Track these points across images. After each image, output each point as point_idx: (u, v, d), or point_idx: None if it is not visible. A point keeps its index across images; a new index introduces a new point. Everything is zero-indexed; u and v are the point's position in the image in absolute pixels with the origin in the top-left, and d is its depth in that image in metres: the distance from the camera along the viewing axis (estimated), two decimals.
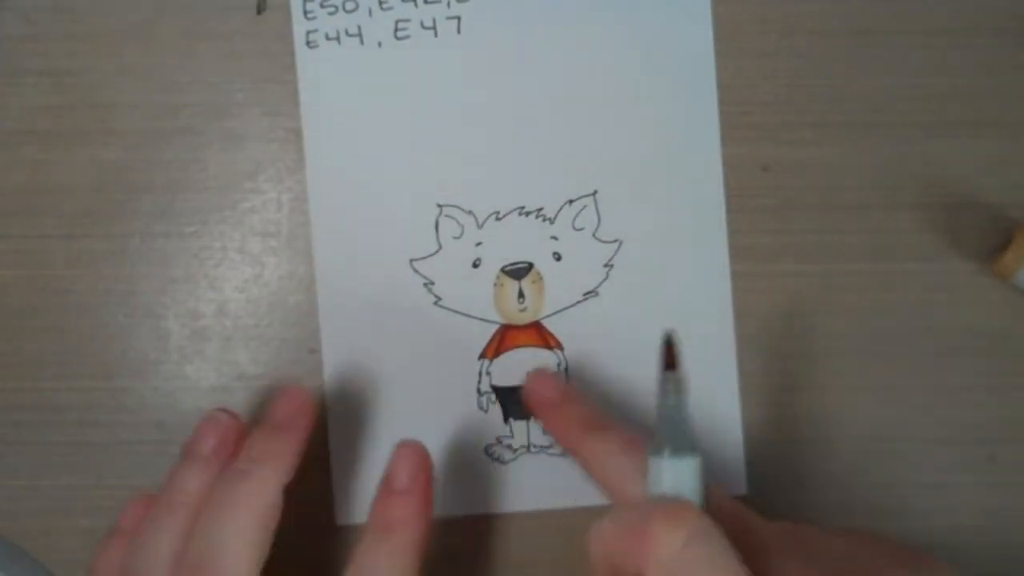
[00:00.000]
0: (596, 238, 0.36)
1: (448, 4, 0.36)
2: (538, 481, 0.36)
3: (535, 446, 0.36)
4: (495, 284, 0.36)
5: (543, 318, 0.36)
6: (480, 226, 0.36)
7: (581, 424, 0.30)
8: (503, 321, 0.36)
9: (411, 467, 0.29)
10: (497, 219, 0.36)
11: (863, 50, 0.36)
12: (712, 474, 0.35)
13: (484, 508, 0.36)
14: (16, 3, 0.36)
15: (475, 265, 0.36)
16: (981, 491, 0.36)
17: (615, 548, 0.24)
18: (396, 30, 0.36)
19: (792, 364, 0.36)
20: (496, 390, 0.36)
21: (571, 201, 0.36)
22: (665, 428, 0.26)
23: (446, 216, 0.36)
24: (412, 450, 0.29)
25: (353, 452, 0.35)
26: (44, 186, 0.36)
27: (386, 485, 0.29)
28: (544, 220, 0.36)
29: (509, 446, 0.36)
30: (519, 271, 0.36)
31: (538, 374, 0.33)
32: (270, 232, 0.36)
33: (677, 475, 0.25)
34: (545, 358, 0.36)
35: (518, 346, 0.36)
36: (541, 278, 0.36)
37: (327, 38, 0.36)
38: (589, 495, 0.36)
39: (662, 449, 0.25)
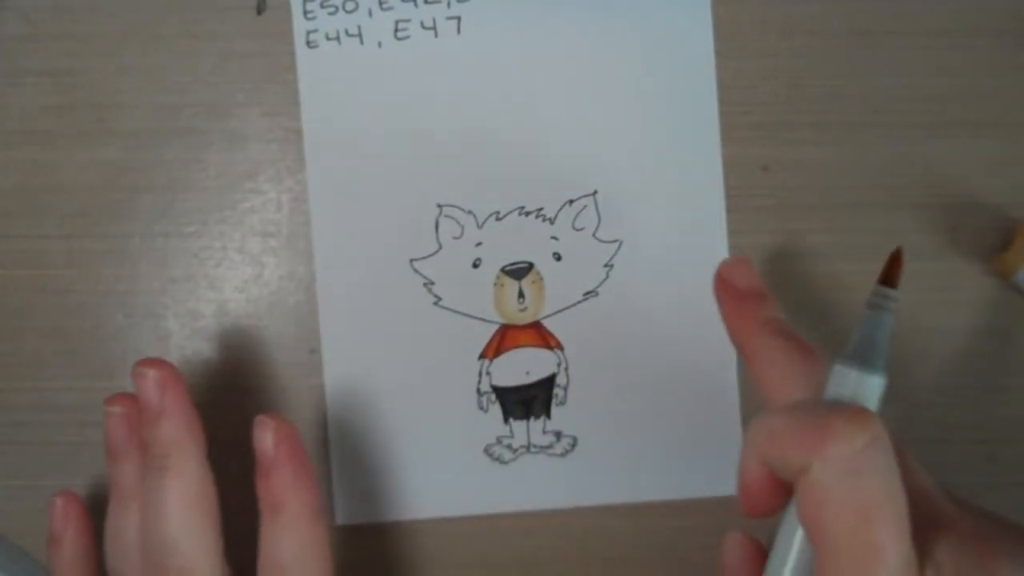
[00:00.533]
0: (596, 238, 0.36)
1: (448, 4, 0.36)
2: (538, 481, 0.36)
3: (535, 446, 0.36)
4: (495, 284, 0.36)
5: (543, 318, 0.36)
6: (480, 226, 0.36)
7: (764, 321, 0.29)
8: (503, 321, 0.36)
9: (272, 440, 0.29)
10: (497, 219, 0.36)
11: (863, 50, 0.36)
12: (711, 474, 0.36)
13: (484, 508, 0.36)
14: (16, 3, 0.36)
15: (475, 265, 0.36)
16: (981, 491, 0.36)
17: (783, 440, 0.23)
18: (396, 30, 0.36)
19: None
20: (496, 390, 0.36)
21: (571, 201, 0.36)
22: (862, 341, 0.25)
23: (446, 216, 0.36)
24: (267, 424, 0.29)
25: (353, 452, 0.35)
26: (44, 186, 0.36)
27: (258, 468, 0.29)
28: (544, 220, 0.36)
29: (509, 446, 0.36)
30: (519, 271, 0.36)
31: (736, 262, 0.31)
32: (270, 232, 0.36)
33: (861, 389, 0.24)
34: (545, 358, 0.36)
35: (518, 346, 0.36)
36: (541, 278, 0.36)
37: (327, 38, 0.36)
38: (589, 495, 0.36)
39: (854, 359, 0.24)
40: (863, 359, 0.24)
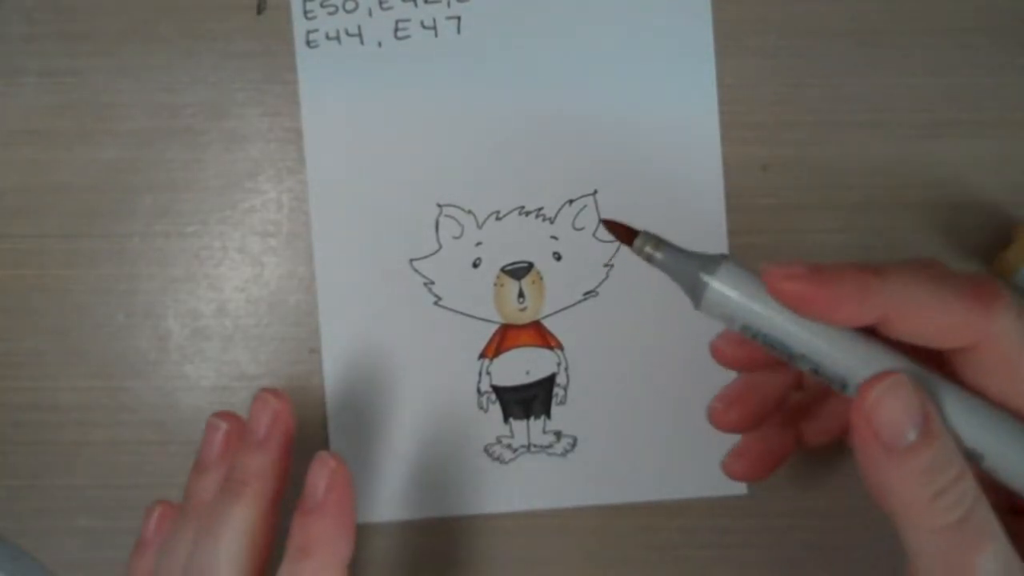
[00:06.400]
0: (596, 238, 0.36)
1: (448, 4, 0.36)
2: (538, 481, 0.36)
3: (535, 446, 0.36)
4: (495, 284, 0.36)
5: (543, 318, 0.36)
6: (480, 226, 0.36)
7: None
8: (503, 321, 0.36)
9: (325, 483, 0.27)
10: (497, 219, 0.36)
11: (863, 50, 0.36)
12: (711, 474, 0.36)
13: (484, 508, 0.36)
14: (16, 3, 0.36)
15: (475, 265, 0.36)
16: None
17: (954, 316, 0.23)
18: (396, 30, 0.36)
19: None
20: (496, 390, 0.36)
21: (571, 201, 0.36)
22: (683, 274, 0.25)
23: (446, 216, 0.36)
24: (326, 463, 0.27)
25: (353, 452, 0.35)
26: (44, 186, 0.36)
27: (300, 502, 0.27)
28: (544, 220, 0.36)
29: (509, 446, 0.36)
30: (519, 271, 0.36)
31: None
32: (270, 232, 0.36)
33: (732, 283, 0.24)
34: (545, 358, 0.36)
35: (518, 346, 0.36)
36: (541, 278, 0.36)
37: (327, 38, 0.36)
38: (589, 495, 0.36)
39: (701, 285, 0.24)
40: (699, 274, 0.24)
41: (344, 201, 0.36)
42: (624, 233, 0.26)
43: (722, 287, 0.24)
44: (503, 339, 0.36)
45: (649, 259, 0.25)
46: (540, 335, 0.36)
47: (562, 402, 0.36)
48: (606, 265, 0.36)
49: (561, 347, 0.36)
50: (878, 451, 0.23)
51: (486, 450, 0.36)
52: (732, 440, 0.36)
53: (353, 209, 0.36)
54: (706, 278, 0.24)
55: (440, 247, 0.36)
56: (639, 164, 0.36)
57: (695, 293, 0.25)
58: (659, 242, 0.25)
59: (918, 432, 0.22)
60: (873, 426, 0.23)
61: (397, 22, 0.36)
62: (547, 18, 0.36)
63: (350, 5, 0.36)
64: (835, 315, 0.23)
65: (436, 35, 0.36)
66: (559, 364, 0.36)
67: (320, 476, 0.27)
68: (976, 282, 0.23)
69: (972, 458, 0.23)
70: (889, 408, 0.22)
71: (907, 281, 0.23)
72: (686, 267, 0.25)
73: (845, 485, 0.35)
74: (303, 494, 0.27)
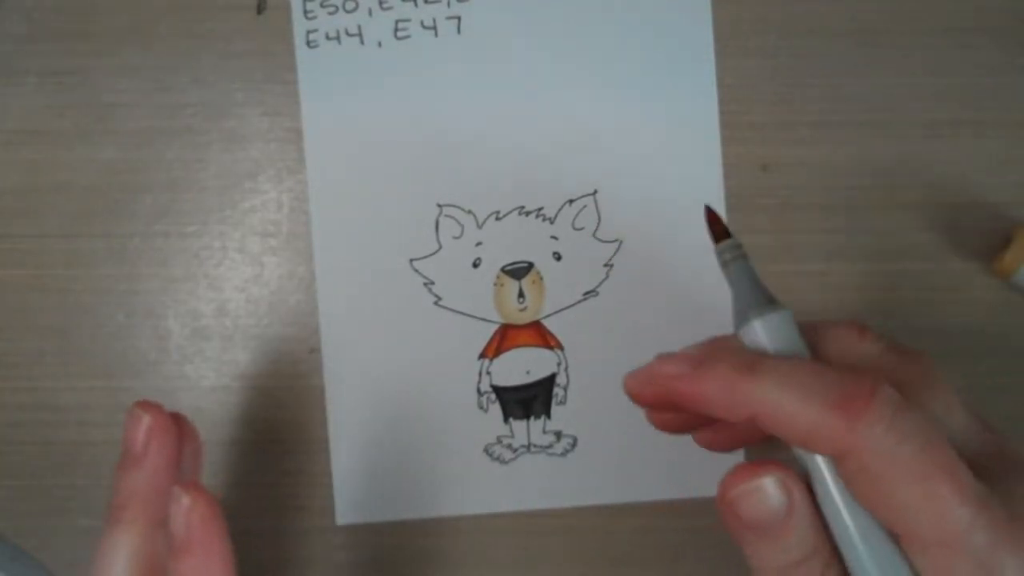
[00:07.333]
0: (596, 238, 0.36)
1: (448, 4, 0.36)
2: (538, 481, 0.36)
3: (535, 446, 0.36)
4: (495, 284, 0.36)
5: (543, 318, 0.36)
6: (480, 226, 0.36)
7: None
8: (503, 321, 0.36)
9: (183, 520, 0.25)
10: (497, 219, 0.36)
11: (863, 50, 0.36)
12: (711, 474, 0.36)
13: (484, 508, 0.36)
14: (16, 3, 0.36)
15: (475, 265, 0.36)
16: None
17: (818, 425, 0.21)
18: (396, 30, 0.36)
19: None
20: (496, 390, 0.36)
21: (571, 201, 0.36)
22: (740, 295, 0.24)
23: (446, 216, 0.36)
24: (181, 500, 0.25)
25: (353, 452, 0.35)
26: (44, 186, 0.36)
27: (170, 546, 0.25)
28: (544, 220, 0.36)
29: (509, 446, 0.36)
30: (519, 271, 0.36)
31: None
32: (270, 232, 0.36)
33: (771, 331, 0.23)
34: (545, 358, 0.36)
35: (518, 346, 0.36)
36: (541, 278, 0.36)
37: (327, 38, 0.36)
38: (589, 495, 0.36)
39: (748, 314, 0.23)
40: (753, 307, 0.24)
41: (344, 201, 0.36)
42: (719, 230, 0.25)
43: (758, 333, 0.23)
44: (503, 339, 0.36)
45: (724, 265, 0.25)
46: (540, 335, 0.36)
47: (562, 402, 0.36)
48: (606, 265, 0.36)
49: (561, 347, 0.36)
50: (739, 528, 0.24)
51: (486, 450, 0.36)
52: None
53: (353, 209, 0.36)
54: (752, 316, 0.24)
55: (440, 247, 0.36)
56: (639, 164, 0.36)
57: (738, 319, 0.24)
58: (739, 256, 0.25)
59: (777, 521, 0.23)
60: (734, 513, 0.24)
61: (397, 22, 0.36)
62: (547, 18, 0.36)
63: (350, 5, 0.36)
64: (708, 410, 0.23)
65: (436, 35, 0.36)
66: (559, 364, 0.36)
67: (177, 514, 0.25)
68: (850, 388, 0.21)
69: None
70: (748, 504, 0.23)
71: (778, 382, 0.22)
72: (746, 292, 0.24)
73: None
74: (169, 536, 0.25)
